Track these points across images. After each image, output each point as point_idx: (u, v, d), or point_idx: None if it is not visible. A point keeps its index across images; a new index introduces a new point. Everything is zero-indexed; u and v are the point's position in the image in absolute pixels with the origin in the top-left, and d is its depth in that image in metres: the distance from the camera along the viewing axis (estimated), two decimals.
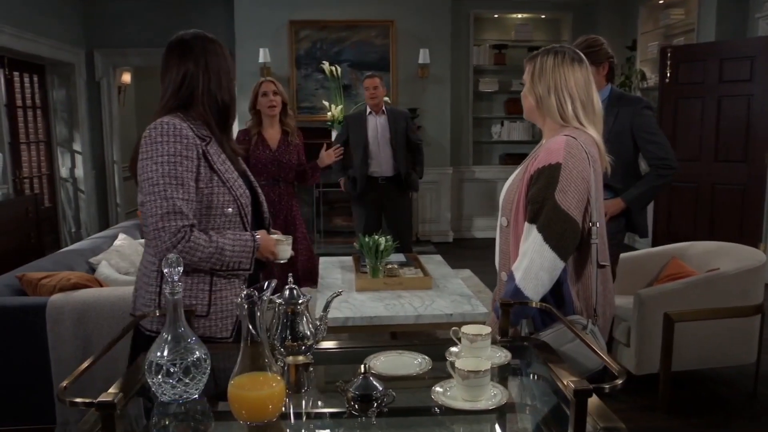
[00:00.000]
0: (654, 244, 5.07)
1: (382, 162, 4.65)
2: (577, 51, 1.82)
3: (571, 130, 1.74)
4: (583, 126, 1.76)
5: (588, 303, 1.78)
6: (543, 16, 7.44)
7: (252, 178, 1.93)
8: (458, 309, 3.13)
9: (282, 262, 1.90)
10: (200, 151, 1.68)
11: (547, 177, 1.68)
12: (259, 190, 1.93)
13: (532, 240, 1.68)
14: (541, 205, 1.67)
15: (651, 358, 2.97)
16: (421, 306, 3.16)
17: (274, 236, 1.88)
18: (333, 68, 6.58)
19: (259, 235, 1.79)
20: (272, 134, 3.75)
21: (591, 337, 1.69)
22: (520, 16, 7.41)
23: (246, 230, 1.78)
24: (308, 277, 3.84)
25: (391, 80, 6.87)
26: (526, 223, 1.71)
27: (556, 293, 1.74)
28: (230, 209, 1.72)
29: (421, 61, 6.79)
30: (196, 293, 1.72)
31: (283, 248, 1.88)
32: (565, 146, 1.69)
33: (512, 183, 1.84)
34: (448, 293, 3.40)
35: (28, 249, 4.87)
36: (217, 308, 1.75)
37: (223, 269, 1.72)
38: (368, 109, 4.67)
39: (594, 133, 1.77)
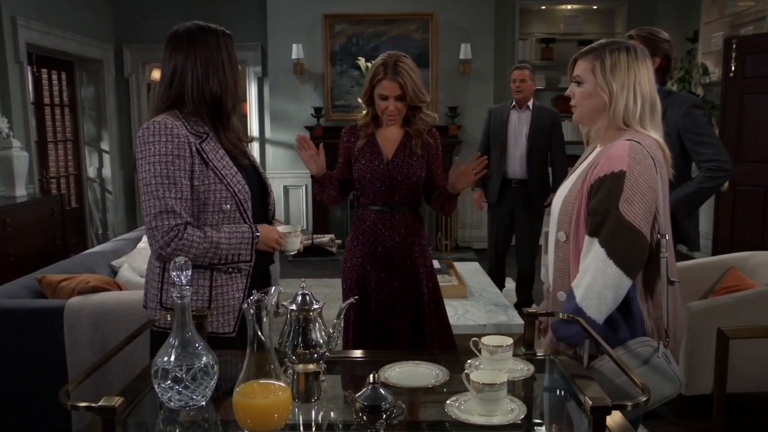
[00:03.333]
0: (714, 254, 4.94)
1: (515, 162, 4.41)
2: (642, 47, 1.80)
3: (633, 134, 1.69)
4: (645, 129, 1.72)
5: (659, 323, 1.71)
6: (595, 7, 7.34)
7: (261, 170, 2.01)
8: (493, 319, 3.13)
9: (291, 254, 1.95)
10: (194, 148, 1.77)
11: (610, 186, 1.63)
12: (268, 182, 2.01)
13: (593, 255, 1.63)
14: (604, 217, 1.62)
15: (703, 377, 2.91)
16: (453, 316, 3.17)
17: (280, 227, 1.95)
18: (369, 64, 6.63)
19: (264, 228, 1.88)
20: (388, 135, 2.60)
21: (664, 361, 1.64)
22: (569, 7, 7.33)
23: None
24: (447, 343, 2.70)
25: (431, 77, 6.88)
26: (587, 237, 1.66)
27: (626, 311, 1.68)
28: (227, 206, 1.80)
29: (462, 56, 6.78)
30: (196, 289, 1.82)
31: (291, 240, 1.93)
32: (629, 152, 1.64)
33: (569, 194, 1.78)
34: (483, 303, 3.41)
35: (53, 250, 5.05)
36: (219, 303, 1.84)
37: (223, 263, 1.81)
38: (512, 103, 4.47)
39: (657, 136, 1.73)
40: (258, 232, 1.85)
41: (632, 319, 1.69)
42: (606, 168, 1.65)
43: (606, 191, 1.63)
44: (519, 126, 4.41)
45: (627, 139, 1.68)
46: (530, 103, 4.43)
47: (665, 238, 1.69)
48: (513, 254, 4.63)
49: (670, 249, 1.73)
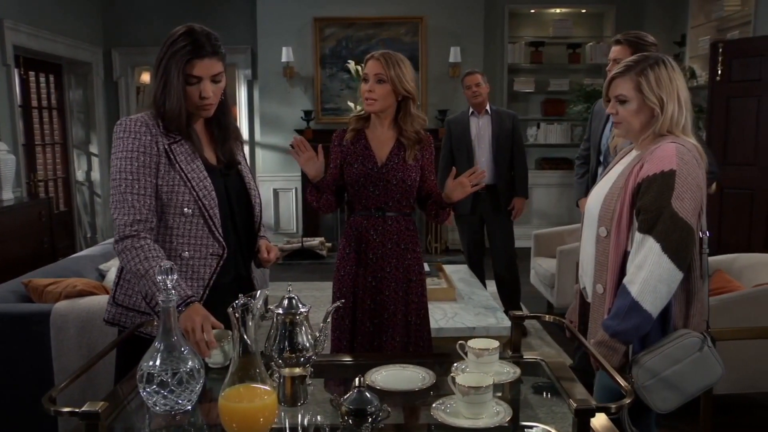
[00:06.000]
0: None
1: (482, 168, 4.26)
2: (672, 57, 1.87)
3: (675, 138, 1.78)
4: (686, 135, 1.80)
5: (701, 318, 1.80)
6: (584, 11, 7.37)
7: (248, 179, 1.97)
8: (482, 322, 3.13)
9: (212, 365, 1.63)
10: (162, 147, 1.78)
11: (661, 184, 1.70)
12: (254, 193, 1.97)
13: (647, 250, 1.69)
14: (658, 214, 1.69)
15: None
16: (442, 318, 3.17)
17: (214, 331, 1.62)
18: (359, 67, 6.62)
19: (198, 306, 1.66)
20: (381, 137, 2.49)
21: (710, 352, 1.74)
22: (558, 10, 7.36)
23: (213, 233, 1.82)
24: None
25: (421, 80, 6.89)
26: (639, 234, 1.73)
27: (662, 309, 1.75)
28: (188, 209, 1.79)
29: (452, 59, 6.80)
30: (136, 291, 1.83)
31: (213, 352, 1.61)
32: (677, 153, 1.72)
33: (610, 192, 1.85)
34: (472, 305, 3.41)
35: (40, 255, 5.01)
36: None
37: (143, 295, 1.79)
38: (470, 110, 4.41)
39: (694, 140, 1.81)
40: (183, 308, 1.63)
41: (667, 316, 1.76)
42: (655, 167, 1.72)
43: (658, 189, 1.70)
44: (481, 132, 4.37)
45: (671, 141, 1.76)
46: (488, 108, 4.39)
47: (706, 235, 1.78)
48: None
49: (707, 246, 1.82)
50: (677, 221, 1.67)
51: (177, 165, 1.78)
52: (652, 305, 1.68)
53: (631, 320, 1.68)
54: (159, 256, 1.71)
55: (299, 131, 6.85)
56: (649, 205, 1.71)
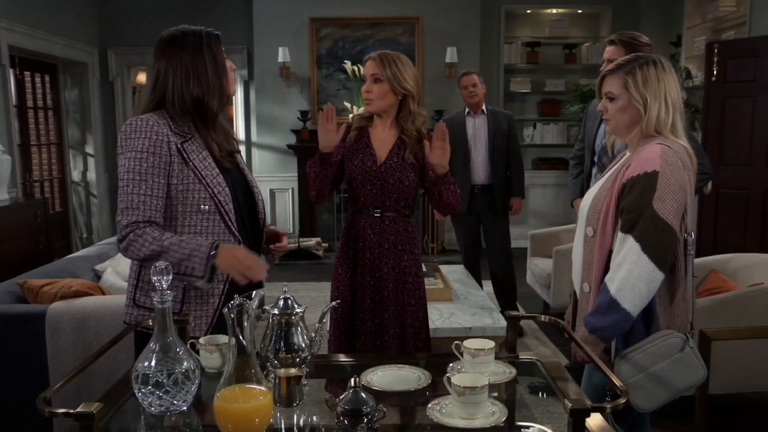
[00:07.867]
0: (697, 256, 4.98)
1: (479, 167, 4.36)
2: (666, 58, 1.88)
3: (663, 139, 1.79)
4: (675, 136, 1.81)
5: (685, 318, 1.81)
6: (580, 11, 7.39)
7: (249, 176, 1.98)
8: (478, 323, 3.13)
9: (209, 369, 1.61)
10: (174, 147, 1.78)
11: (643, 185, 1.72)
12: (256, 189, 1.99)
13: (627, 250, 1.71)
14: (639, 214, 1.71)
15: None
16: (438, 319, 3.17)
17: (214, 336, 1.65)
18: (356, 68, 6.63)
19: (230, 245, 1.73)
20: (382, 136, 2.51)
21: (692, 353, 1.75)
22: (554, 11, 7.37)
23: (229, 228, 1.83)
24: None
25: None
26: (621, 233, 1.75)
27: (645, 308, 1.76)
28: (205, 206, 1.80)
29: (448, 60, 6.81)
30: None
31: (214, 356, 1.60)
32: (661, 154, 1.73)
33: (599, 192, 1.88)
34: (469, 306, 3.41)
35: (36, 255, 5.00)
36: (191, 306, 1.83)
37: (176, 272, 1.69)
38: (466, 110, 4.42)
39: (684, 142, 1.82)
40: (214, 250, 1.71)
41: (651, 316, 1.77)
42: (639, 168, 1.74)
43: (640, 190, 1.72)
44: (477, 132, 4.38)
45: (658, 143, 1.77)
46: (484, 108, 4.40)
47: (692, 236, 1.79)
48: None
49: (694, 247, 1.83)
50: (658, 222, 1.69)
51: (191, 163, 1.79)
52: (631, 303, 1.69)
53: (609, 317, 1.70)
54: (164, 234, 1.73)
55: (295, 132, 6.86)
56: (630, 205, 1.73)
